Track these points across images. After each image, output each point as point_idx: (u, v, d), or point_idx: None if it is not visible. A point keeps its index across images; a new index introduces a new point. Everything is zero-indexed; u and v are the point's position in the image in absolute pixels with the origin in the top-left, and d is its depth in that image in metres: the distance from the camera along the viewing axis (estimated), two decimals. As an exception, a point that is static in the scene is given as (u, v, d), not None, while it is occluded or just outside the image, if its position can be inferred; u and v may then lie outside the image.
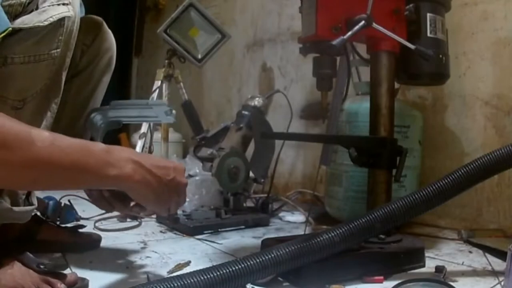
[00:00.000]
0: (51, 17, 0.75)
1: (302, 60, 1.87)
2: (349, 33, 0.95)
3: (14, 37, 0.73)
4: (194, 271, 0.76)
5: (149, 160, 0.74)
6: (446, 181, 0.93)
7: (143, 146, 1.76)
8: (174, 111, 0.90)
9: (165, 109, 0.89)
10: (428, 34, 1.11)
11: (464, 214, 1.50)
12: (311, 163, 2.11)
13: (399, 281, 0.85)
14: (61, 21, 0.77)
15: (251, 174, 1.56)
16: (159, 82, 1.93)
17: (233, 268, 0.78)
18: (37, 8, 0.76)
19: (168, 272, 0.98)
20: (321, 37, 1.00)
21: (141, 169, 0.72)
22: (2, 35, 0.70)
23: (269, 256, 0.82)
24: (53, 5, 0.77)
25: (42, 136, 0.63)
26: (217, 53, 1.91)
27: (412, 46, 1.03)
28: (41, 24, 0.74)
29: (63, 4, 0.78)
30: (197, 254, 1.15)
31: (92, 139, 0.99)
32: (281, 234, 1.41)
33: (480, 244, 1.21)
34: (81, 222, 1.40)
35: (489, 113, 1.46)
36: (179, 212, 1.46)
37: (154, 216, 1.57)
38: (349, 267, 0.96)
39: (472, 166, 0.94)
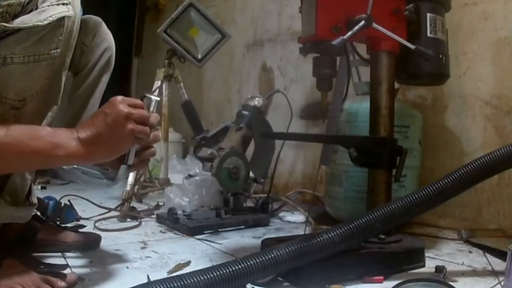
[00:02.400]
0: (50, 16, 0.75)
1: (302, 60, 1.86)
2: (349, 33, 0.95)
3: (14, 37, 0.73)
4: (194, 271, 0.76)
5: (83, 125, 0.78)
6: (446, 181, 0.93)
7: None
8: None
9: None
10: (428, 34, 1.11)
11: (464, 214, 1.50)
12: (311, 163, 2.11)
13: (399, 281, 0.85)
14: (61, 20, 0.77)
15: (251, 174, 1.56)
16: (159, 82, 1.93)
17: (233, 268, 0.78)
18: (36, 8, 0.75)
19: (168, 272, 0.98)
20: (321, 37, 0.99)
21: (82, 139, 0.76)
22: None
23: (269, 256, 0.82)
24: (52, 4, 0.76)
25: None
26: (217, 53, 1.91)
27: (412, 46, 1.03)
28: (41, 23, 0.74)
29: (63, 3, 0.78)
30: (197, 254, 1.15)
31: None
32: (281, 234, 1.41)
33: (480, 244, 1.21)
34: (81, 222, 1.40)
35: (489, 113, 1.46)
36: (179, 212, 1.46)
37: (154, 216, 1.58)
38: (349, 267, 0.96)
39: (472, 166, 0.94)
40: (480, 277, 0.98)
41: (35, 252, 1.05)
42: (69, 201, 1.43)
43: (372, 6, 0.97)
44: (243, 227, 1.47)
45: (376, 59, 1.10)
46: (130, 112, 0.78)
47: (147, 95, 0.91)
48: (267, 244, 1.07)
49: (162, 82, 1.93)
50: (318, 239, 0.88)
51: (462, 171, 0.94)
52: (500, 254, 1.08)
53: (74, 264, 1.02)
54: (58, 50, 0.78)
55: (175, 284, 0.71)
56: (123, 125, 0.77)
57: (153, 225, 1.49)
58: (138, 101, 0.82)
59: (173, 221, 1.42)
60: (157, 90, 1.91)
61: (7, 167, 0.75)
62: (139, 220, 1.53)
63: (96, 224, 1.42)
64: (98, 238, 1.19)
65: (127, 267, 1.02)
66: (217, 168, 1.47)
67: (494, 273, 0.99)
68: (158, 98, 1.00)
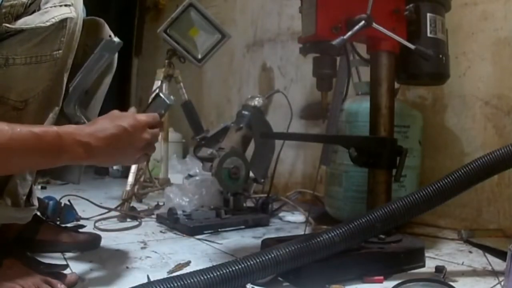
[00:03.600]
0: (53, 18, 0.76)
1: (302, 60, 1.87)
2: (349, 33, 0.96)
3: (16, 38, 0.73)
4: (194, 271, 0.76)
5: (98, 134, 0.76)
6: (446, 181, 0.93)
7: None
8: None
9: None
10: (428, 34, 1.11)
11: (464, 214, 1.50)
12: (311, 163, 2.11)
13: (399, 281, 0.85)
14: (63, 22, 0.77)
15: (251, 174, 1.56)
16: (159, 82, 1.93)
17: (233, 268, 0.78)
18: (39, 9, 0.76)
19: (168, 272, 0.98)
20: (321, 37, 0.99)
21: (91, 148, 0.75)
22: None
23: (269, 256, 0.82)
24: (55, 6, 0.77)
25: (1, 129, 0.67)
26: (217, 53, 1.91)
27: (412, 46, 1.03)
28: (43, 25, 0.74)
29: (66, 5, 0.78)
30: (197, 254, 1.15)
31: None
32: (281, 234, 1.41)
33: (480, 244, 1.21)
34: (81, 222, 1.40)
35: (489, 113, 1.46)
36: (179, 212, 1.46)
37: (154, 216, 1.58)
38: (349, 267, 0.96)
39: (472, 166, 0.94)
40: (480, 277, 0.98)
41: (35, 252, 1.05)
42: (69, 201, 1.43)
43: (372, 6, 0.97)
44: (243, 227, 1.47)
45: (376, 59, 1.11)
46: (149, 140, 0.81)
47: (162, 95, 0.89)
48: (267, 244, 1.07)
49: (162, 82, 1.93)
50: (318, 239, 0.88)
51: (462, 171, 0.94)
52: (500, 254, 1.08)
53: (74, 264, 1.03)
54: (60, 51, 0.79)
55: (175, 284, 0.72)
56: (138, 150, 0.81)
57: (153, 225, 1.50)
58: (157, 119, 0.84)
59: (173, 221, 1.43)
60: (157, 90, 1.91)
61: (10, 168, 0.74)
62: (139, 220, 1.53)
63: (96, 224, 1.42)
64: (98, 238, 1.19)
65: (127, 267, 1.02)
66: (217, 168, 1.47)
67: (494, 273, 0.99)
68: (172, 102, 0.91)
